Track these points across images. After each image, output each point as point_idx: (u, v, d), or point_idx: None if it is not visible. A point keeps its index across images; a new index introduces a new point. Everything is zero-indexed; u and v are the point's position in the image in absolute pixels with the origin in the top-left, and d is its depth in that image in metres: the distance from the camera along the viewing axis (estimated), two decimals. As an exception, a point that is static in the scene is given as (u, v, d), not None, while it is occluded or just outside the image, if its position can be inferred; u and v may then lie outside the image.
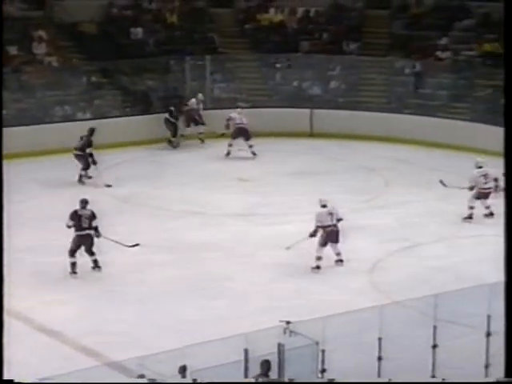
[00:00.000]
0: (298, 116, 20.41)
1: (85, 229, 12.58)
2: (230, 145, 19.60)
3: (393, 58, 22.58)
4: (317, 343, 8.68)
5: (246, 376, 8.47)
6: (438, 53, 22.27)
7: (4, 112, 20.13)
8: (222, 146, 20.10)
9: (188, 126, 20.77)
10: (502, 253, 14.41)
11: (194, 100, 20.87)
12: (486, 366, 9.32)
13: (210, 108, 21.78)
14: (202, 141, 20.73)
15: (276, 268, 13.18)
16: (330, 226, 12.90)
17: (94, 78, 21.64)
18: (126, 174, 18.39)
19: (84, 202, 12.79)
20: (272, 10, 24.37)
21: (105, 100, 21.65)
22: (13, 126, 19.19)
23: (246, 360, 8.51)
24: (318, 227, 12.85)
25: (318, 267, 12.91)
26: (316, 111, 21.45)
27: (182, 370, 8.27)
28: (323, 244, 12.94)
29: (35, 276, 12.70)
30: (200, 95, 20.98)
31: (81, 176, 17.53)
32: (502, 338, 9.79)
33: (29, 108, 20.54)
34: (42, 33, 21.82)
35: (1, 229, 5.22)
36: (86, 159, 17.49)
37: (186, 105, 20.91)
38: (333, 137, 20.81)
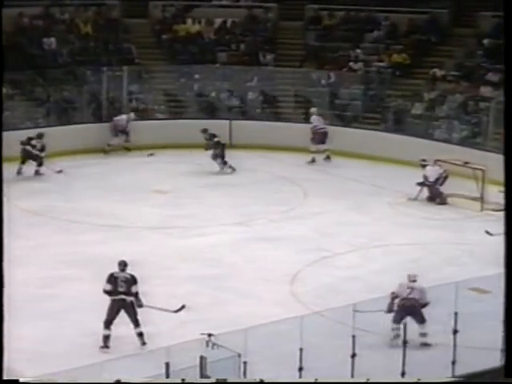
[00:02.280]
0: (217, 127, 20.53)
1: (121, 293, 10.91)
2: (314, 151, 19.91)
3: (307, 70, 22.91)
4: (239, 355, 8.75)
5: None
6: (351, 64, 22.73)
7: None
8: (136, 158, 20.12)
9: (115, 135, 20.71)
10: (410, 262, 14.80)
11: (124, 116, 20.85)
12: (403, 374, 9.56)
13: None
14: (129, 149, 20.77)
15: (194, 280, 13.19)
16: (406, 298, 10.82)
17: (4, 89, 21.19)
18: (39, 186, 18.11)
19: (123, 265, 11.21)
20: (189, 21, 24.42)
21: (16, 111, 21.22)
22: None
23: (168, 374, 8.52)
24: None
25: None
26: (235, 122, 21.60)
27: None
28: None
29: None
30: (132, 114, 20.95)
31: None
32: (418, 346, 10.10)
33: None
34: None
35: (1, 230, 5.13)
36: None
37: (115, 115, 20.83)
38: (251, 148, 20.98)
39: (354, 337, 9.25)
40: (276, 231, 15.51)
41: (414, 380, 9.31)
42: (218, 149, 19.36)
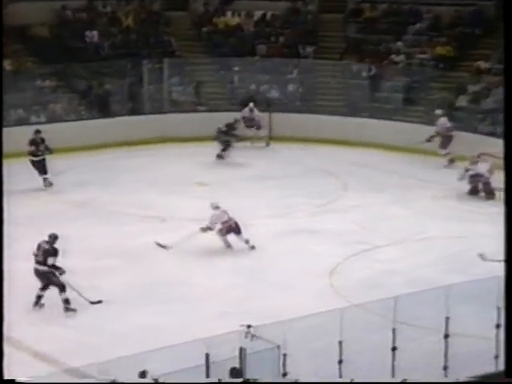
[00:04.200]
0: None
1: (37, 262, 11.70)
2: (447, 154, 19.24)
3: (348, 62, 22.76)
4: (278, 347, 8.70)
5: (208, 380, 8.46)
6: (393, 56, 22.51)
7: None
8: (180, 150, 20.16)
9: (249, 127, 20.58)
10: (451, 256, 14.58)
11: (246, 109, 20.75)
12: (445, 368, 9.44)
13: (167, 112, 21.81)
14: (267, 144, 20.73)
15: (234, 272, 13.19)
16: (227, 221, 13.83)
17: (48, 82, 21.44)
18: (81, 178, 18.25)
19: (52, 237, 11.86)
20: (229, 14, 24.41)
21: (59, 103, 21.45)
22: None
23: (208, 365, 8.50)
24: (209, 227, 13.84)
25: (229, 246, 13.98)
26: (274, 115, 21.54)
27: (142, 375, 8.24)
28: (225, 234, 13.94)
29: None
30: (251, 104, 20.79)
31: (45, 179, 17.47)
32: (461, 339, 9.96)
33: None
34: (-6, 36, 21.55)
35: (1, 229, 5.16)
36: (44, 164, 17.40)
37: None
38: (291, 140, 20.90)
39: (394, 330, 9.15)
40: (316, 224, 15.43)
41: (456, 373, 9.18)
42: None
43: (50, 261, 11.56)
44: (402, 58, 22.49)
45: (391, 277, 12.90)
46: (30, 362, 10.07)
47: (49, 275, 11.60)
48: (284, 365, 8.76)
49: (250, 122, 20.68)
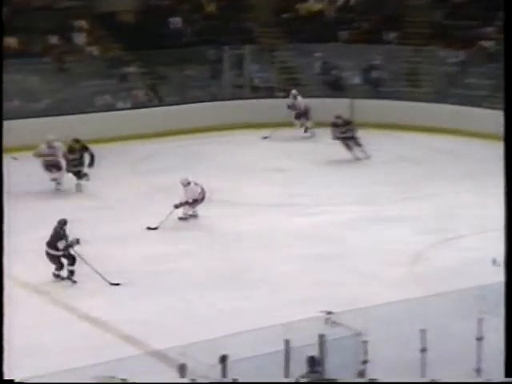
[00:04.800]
0: (338, 106, 20.26)
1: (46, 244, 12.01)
2: None
3: (434, 48, 22.33)
4: (358, 334, 8.58)
5: (287, 367, 8.40)
6: (482, 42, 21.97)
7: (47, 101, 20.32)
8: (259, 136, 20.17)
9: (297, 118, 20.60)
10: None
11: (290, 96, 20.69)
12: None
13: (248, 97, 21.82)
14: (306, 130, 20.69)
15: (313, 259, 13.08)
16: (201, 192, 14.62)
17: (133, 68, 21.72)
18: (163, 163, 18.43)
19: (62, 223, 12.06)
20: (312, 0, 24.24)
21: (143, 89, 21.72)
22: (53, 115, 19.36)
23: (287, 350, 8.43)
24: (188, 201, 14.49)
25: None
26: (356, 101, 21.30)
27: (222, 359, 8.23)
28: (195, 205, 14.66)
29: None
30: (293, 91, 20.72)
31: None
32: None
33: (69, 98, 20.65)
34: (82, 22, 21.94)
35: (1, 228, 5.18)
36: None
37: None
38: (373, 127, 20.64)
39: (480, 319, 8.91)
40: (398, 211, 15.19)
41: None
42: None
43: (61, 245, 11.92)
44: (491, 43, 21.90)
45: (475, 265, 12.58)
46: (116, 344, 10.19)
47: (60, 258, 11.98)
48: (364, 352, 8.63)
49: (294, 110, 20.39)
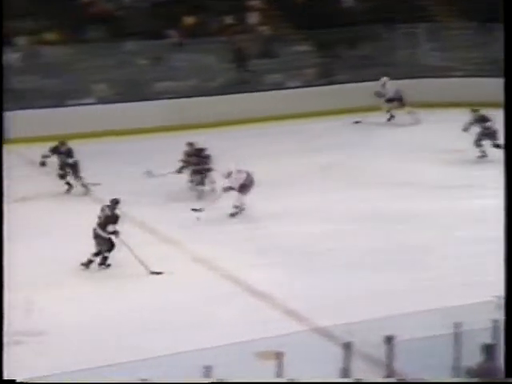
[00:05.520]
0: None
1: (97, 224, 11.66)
2: None
3: None
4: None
5: (456, 350, 8.13)
6: None
7: (221, 80, 20.77)
8: (431, 115, 19.68)
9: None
10: None
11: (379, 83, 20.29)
12: None
13: (420, 76, 21.34)
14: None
15: (479, 242, 12.59)
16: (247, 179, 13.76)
17: (304, 47, 21.79)
18: (331, 141, 18.42)
19: (114, 202, 11.71)
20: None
21: (314, 68, 21.75)
22: (226, 93, 19.79)
23: (458, 334, 8.16)
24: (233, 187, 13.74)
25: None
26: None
27: (388, 340, 8.09)
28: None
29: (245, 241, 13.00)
30: (384, 78, 20.31)
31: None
32: None
33: (241, 76, 21.01)
34: (255, 2, 22.23)
35: (1, 228, 5.20)
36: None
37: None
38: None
39: None
40: None
41: None
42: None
43: (110, 228, 11.48)
44: None
45: None
46: (281, 320, 10.27)
47: (106, 241, 11.52)
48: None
49: (383, 97, 19.81)
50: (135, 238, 12.00)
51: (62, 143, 14.98)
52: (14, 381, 5.47)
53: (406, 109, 19.90)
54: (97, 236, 11.53)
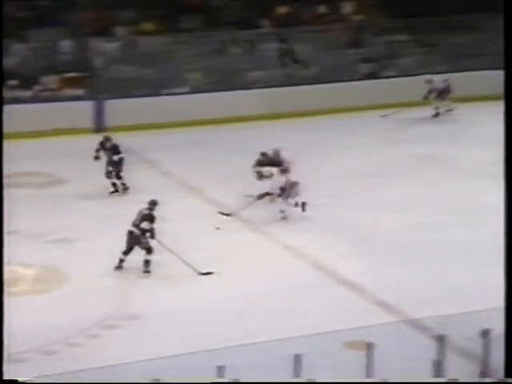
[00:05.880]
0: None
1: (133, 225, 11.42)
2: None
3: None
4: None
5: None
6: None
7: (315, 69, 20.68)
8: None
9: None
10: None
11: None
12: None
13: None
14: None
15: None
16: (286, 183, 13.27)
17: (399, 36, 21.47)
18: (428, 132, 18.17)
19: (151, 204, 11.47)
20: None
21: (410, 57, 21.42)
22: (320, 83, 19.70)
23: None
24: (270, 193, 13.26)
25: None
26: None
27: (485, 333, 7.90)
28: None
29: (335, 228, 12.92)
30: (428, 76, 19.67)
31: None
32: None
33: (334, 65, 20.88)
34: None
35: (1, 229, 5.16)
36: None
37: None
38: None
39: None
40: None
41: None
42: None
43: (144, 225, 11.25)
44: None
45: None
46: (372, 310, 10.19)
47: (139, 238, 11.28)
48: None
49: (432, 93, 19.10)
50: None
51: (107, 139, 14.27)
52: (14, 381, 5.50)
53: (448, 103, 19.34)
54: (130, 233, 11.33)
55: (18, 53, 18.86)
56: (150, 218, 11.30)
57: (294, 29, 20.66)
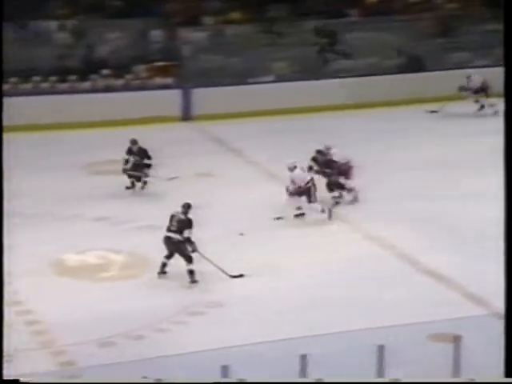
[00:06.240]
0: None
1: (170, 231, 10.83)
2: None
3: None
4: None
5: None
6: None
7: (401, 59, 20.42)
8: None
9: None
10: None
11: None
12: None
13: None
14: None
15: None
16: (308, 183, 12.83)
17: (493, 26, 20.98)
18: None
19: (186, 207, 10.87)
20: None
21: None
22: (407, 72, 19.43)
23: None
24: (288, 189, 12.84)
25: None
26: None
27: None
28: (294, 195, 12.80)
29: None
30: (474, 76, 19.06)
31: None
32: None
33: (421, 54, 20.59)
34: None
35: (1, 228, 5.12)
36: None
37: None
38: None
39: None
40: None
41: None
42: None
43: (186, 233, 10.66)
44: None
45: None
46: (459, 302, 10.04)
47: (180, 245, 10.71)
48: None
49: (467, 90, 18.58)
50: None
51: (134, 142, 13.98)
52: (16, 381, 5.53)
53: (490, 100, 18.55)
54: (168, 239, 10.80)
55: (110, 42, 19.26)
56: (188, 224, 10.73)
57: (383, 18, 20.41)
